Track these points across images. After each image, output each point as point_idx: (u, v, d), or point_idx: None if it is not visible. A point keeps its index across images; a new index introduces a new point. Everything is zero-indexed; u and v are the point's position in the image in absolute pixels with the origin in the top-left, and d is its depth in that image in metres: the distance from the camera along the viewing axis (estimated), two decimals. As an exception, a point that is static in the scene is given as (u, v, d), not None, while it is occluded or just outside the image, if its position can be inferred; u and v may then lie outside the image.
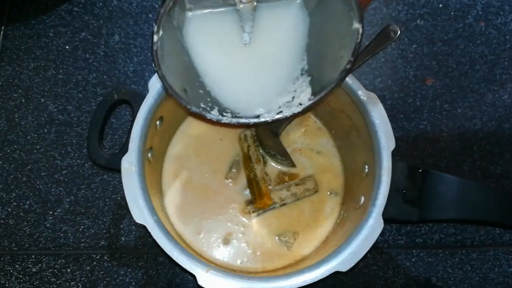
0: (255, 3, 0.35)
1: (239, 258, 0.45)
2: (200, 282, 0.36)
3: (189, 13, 0.36)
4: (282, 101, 0.37)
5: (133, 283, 0.49)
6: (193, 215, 0.46)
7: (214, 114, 0.36)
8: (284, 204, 0.47)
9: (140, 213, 0.38)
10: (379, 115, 0.41)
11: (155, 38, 0.32)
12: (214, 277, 0.36)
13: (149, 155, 0.42)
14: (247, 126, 0.48)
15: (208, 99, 0.37)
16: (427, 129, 0.54)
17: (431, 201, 0.38)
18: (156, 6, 0.59)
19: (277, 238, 0.46)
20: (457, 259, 0.51)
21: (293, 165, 0.48)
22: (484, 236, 0.51)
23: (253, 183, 0.46)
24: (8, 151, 0.53)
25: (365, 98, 0.41)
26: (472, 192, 0.38)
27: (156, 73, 0.38)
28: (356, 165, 0.45)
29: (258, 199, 0.45)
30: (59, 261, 0.50)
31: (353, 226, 0.39)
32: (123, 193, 0.38)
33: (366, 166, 0.43)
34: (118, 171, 0.39)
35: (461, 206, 0.37)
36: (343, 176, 0.48)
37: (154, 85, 0.41)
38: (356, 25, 0.32)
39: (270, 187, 0.47)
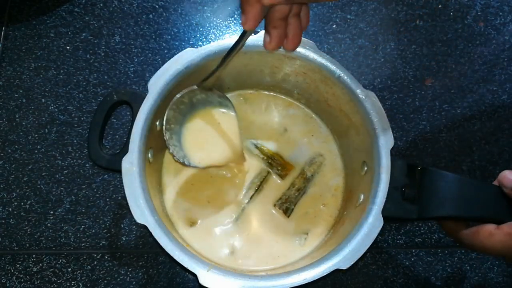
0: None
1: (240, 257, 0.45)
2: (201, 281, 0.36)
3: None
4: None
5: (134, 283, 0.49)
6: (194, 214, 0.47)
7: None
8: (299, 190, 0.48)
9: (141, 213, 0.38)
10: (377, 113, 0.41)
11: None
12: (215, 276, 0.36)
13: (149, 155, 0.43)
14: None
15: None
16: (426, 129, 0.55)
17: (430, 198, 0.38)
18: (157, 6, 0.59)
19: (277, 236, 0.46)
20: (456, 258, 0.51)
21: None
22: (483, 235, 0.51)
23: (271, 160, 0.49)
24: (9, 151, 0.53)
25: (363, 97, 0.42)
26: (471, 189, 0.38)
27: (155, 74, 0.42)
28: (355, 163, 0.45)
29: (284, 167, 0.48)
30: (60, 260, 0.50)
31: (353, 224, 0.39)
32: (124, 193, 0.38)
33: (365, 164, 0.43)
34: (119, 171, 0.39)
35: (460, 203, 0.38)
36: (343, 174, 0.49)
37: (154, 85, 0.41)
38: None
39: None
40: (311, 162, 0.49)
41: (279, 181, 0.48)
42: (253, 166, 0.49)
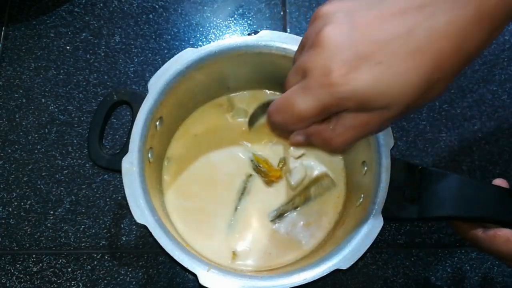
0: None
1: (241, 256, 0.45)
2: (201, 281, 0.36)
3: None
4: None
5: (134, 283, 0.49)
6: (194, 214, 0.47)
7: None
8: (296, 208, 0.47)
9: (141, 213, 0.38)
10: (378, 114, 0.41)
11: None
12: (215, 276, 0.36)
13: (149, 155, 0.43)
14: None
15: None
16: (426, 129, 0.55)
17: (430, 198, 0.38)
18: (157, 6, 0.59)
19: (276, 237, 0.46)
20: (456, 258, 0.51)
21: None
22: (483, 235, 0.51)
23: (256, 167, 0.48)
24: (9, 151, 0.53)
25: (364, 97, 0.42)
26: (471, 189, 0.38)
27: (155, 74, 0.42)
28: (355, 163, 0.45)
29: (267, 174, 0.47)
30: (60, 260, 0.50)
31: (353, 224, 0.39)
32: (124, 193, 0.38)
33: (365, 164, 0.43)
34: (119, 171, 0.39)
35: (460, 203, 0.38)
36: (343, 174, 0.49)
37: (154, 85, 0.41)
38: None
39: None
40: (318, 184, 0.47)
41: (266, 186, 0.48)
42: (242, 169, 0.48)
